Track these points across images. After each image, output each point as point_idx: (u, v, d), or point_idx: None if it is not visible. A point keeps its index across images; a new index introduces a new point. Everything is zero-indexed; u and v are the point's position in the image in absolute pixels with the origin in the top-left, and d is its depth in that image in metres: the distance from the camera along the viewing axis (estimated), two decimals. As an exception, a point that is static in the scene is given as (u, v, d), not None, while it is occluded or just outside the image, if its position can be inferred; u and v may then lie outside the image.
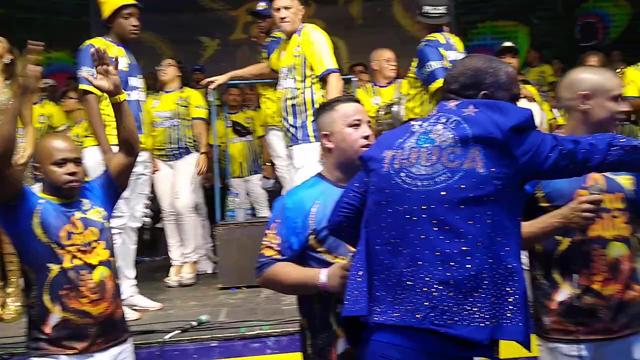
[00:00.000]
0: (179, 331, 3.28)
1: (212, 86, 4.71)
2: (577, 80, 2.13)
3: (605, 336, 2.06)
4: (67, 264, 2.40)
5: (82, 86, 3.58)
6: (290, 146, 3.95)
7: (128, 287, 3.88)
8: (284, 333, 3.21)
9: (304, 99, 3.83)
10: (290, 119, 3.87)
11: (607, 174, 2.07)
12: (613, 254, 2.07)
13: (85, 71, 3.55)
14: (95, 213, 2.54)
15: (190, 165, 4.92)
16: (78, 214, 2.49)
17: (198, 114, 4.98)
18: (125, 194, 3.61)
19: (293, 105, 3.85)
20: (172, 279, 4.80)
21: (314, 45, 3.82)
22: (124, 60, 3.71)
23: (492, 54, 5.06)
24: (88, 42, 3.69)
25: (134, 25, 3.74)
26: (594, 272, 2.05)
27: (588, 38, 9.06)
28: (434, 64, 3.60)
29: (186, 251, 4.92)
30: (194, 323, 3.37)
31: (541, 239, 2.06)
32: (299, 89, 3.84)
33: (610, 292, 2.05)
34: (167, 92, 5.03)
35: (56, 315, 2.38)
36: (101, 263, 2.47)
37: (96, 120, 3.56)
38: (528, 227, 1.95)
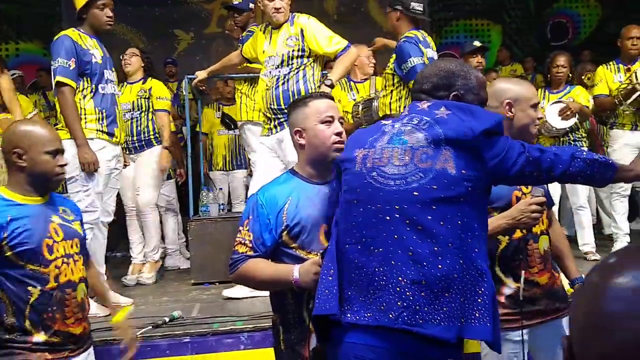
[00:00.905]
0: (151, 327, 3.25)
1: (193, 83, 4.70)
2: (501, 89, 2.25)
3: (542, 319, 2.26)
4: (51, 283, 2.19)
5: (59, 78, 3.52)
6: (278, 132, 3.85)
7: (99, 283, 3.84)
8: (257, 329, 3.21)
9: (298, 88, 3.78)
10: (283, 106, 3.76)
11: None
12: (543, 247, 2.29)
13: (60, 62, 3.50)
14: (78, 226, 2.38)
15: (150, 159, 4.83)
16: (56, 219, 2.28)
17: (160, 105, 4.88)
18: (98, 189, 3.60)
19: (285, 91, 3.79)
20: (129, 277, 4.68)
21: (318, 31, 3.81)
22: (98, 53, 3.66)
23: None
24: (62, 33, 3.64)
25: (109, 17, 3.69)
26: (531, 265, 2.24)
27: (559, 37, 9.21)
28: (415, 60, 3.63)
29: (147, 249, 4.83)
30: (167, 319, 3.35)
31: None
32: (292, 77, 3.81)
33: (544, 281, 2.27)
34: (130, 83, 4.95)
35: (39, 338, 2.18)
36: (81, 280, 2.31)
37: (71, 112, 3.51)
38: None
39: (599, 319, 0.75)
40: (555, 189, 4.54)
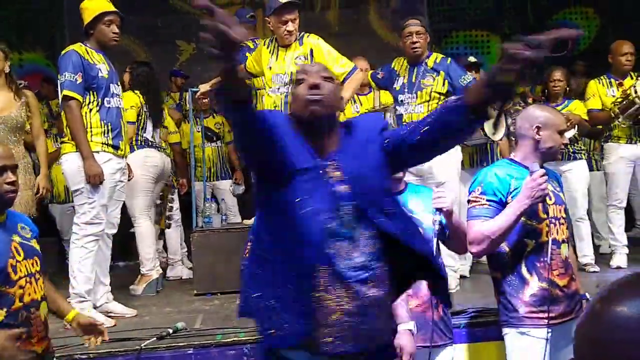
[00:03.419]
0: (155, 338, 3.28)
1: (197, 94, 4.74)
2: (533, 115, 2.55)
3: (561, 320, 2.45)
4: (17, 304, 2.12)
5: (66, 92, 3.56)
6: None
7: (103, 294, 3.88)
8: (260, 340, 3.23)
9: None
10: None
11: (552, 189, 2.48)
12: (564, 253, 2.51)
13: (67, 76, 3.55)
14: (36, 243, 2.32)
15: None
16: (17, 238, 2.21)
17: (126, 117, 4.71)
18: (103, 201, 3.64)
19: None
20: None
21: (328, 53, 3.92)
22: (104, 67, 3.71)
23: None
24: (69, 48, 3.68)
25: (115, 33, 3.74)
26: (554, 268, 2.45)
27: (558, 49, 9.24)
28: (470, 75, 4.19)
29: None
30: (170, 330, 3.38)
31: (515, 225, 2.35)
32: None
33: (564, 283, 2.48)
34: None
35: None
36: (42, 298, 2.25)
37: (78, 126, 3.55)
38: (506, 216, 2.33)
39: (599, 346, 0.77)
40: None
